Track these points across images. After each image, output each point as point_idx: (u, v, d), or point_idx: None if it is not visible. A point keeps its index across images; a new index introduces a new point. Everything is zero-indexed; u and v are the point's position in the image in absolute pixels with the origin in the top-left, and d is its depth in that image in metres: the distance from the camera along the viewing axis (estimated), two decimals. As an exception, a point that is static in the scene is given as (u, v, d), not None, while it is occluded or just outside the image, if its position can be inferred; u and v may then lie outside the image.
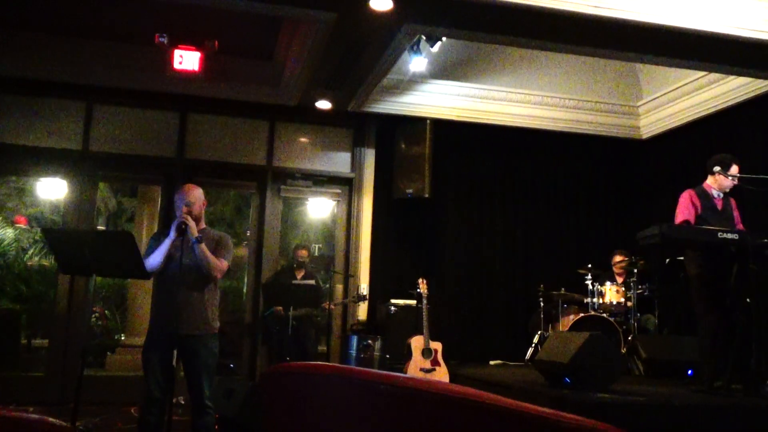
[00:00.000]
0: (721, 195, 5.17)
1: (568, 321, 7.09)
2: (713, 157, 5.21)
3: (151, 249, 4.03)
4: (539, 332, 7.30)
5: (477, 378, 5.95)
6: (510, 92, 8.00)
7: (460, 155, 8.17)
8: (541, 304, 7.41)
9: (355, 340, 6.62)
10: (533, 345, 7.28)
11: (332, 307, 7.05)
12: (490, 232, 8.24)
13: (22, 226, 11.22)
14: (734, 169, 5.13)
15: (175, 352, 3.93)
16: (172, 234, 3.94)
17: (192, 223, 3.96)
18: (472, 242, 8.15)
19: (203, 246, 3.94)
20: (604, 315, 6.92)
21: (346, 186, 8.04)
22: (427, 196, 7.58)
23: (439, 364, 6.25)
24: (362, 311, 7.62)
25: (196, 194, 4.14)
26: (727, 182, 5.11)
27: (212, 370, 4.03)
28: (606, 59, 7.27)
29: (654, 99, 8.13)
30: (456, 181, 8.16)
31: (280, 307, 6.94)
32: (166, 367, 3.89)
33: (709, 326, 4.79)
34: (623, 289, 7.08)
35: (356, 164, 7.99)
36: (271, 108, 7.69)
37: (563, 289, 7.32)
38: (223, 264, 4.06)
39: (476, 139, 8.18)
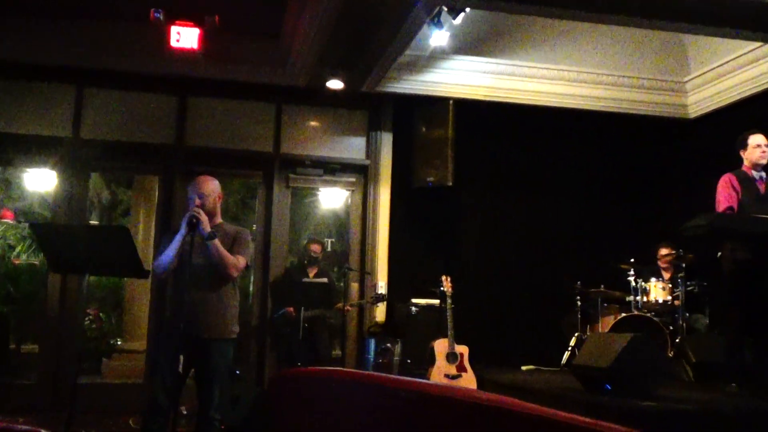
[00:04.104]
0: (764, 177, 5.15)
1: (608, 321, 7.06)
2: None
3: (164, 247, 4.06)
4: (576, 334, 7.28)
5: (507, 385, 5.95)
6: (541, 68, 7.94)
7: (486, 139, 8.13)
8: (578, 303, 7.39)
9: (372, 343, 6.65)
10: (569, 348, 7.26)
11: (347, 308, 7.07)
12: (521, 223, 8.20)
13: (9, 221, 11.35)
14: (757, 139, 5.14)
15: (182, 357, 3.96)
16: (183, 229, 3.97)
17: (204, 218, 3.98)
18: (501, 235, 8.12)
19: (216, 242, 3.96)
20: (649, 314, 6.88)
21: (361, 174, 8.04)
22: (450, 184, 7.56)
23: (465, 370, 6.26)
24: (380, 312, 7.63)
25: (211, 186, 4.17)
26: (756, 154, 5.13)
27: (224, 378, 4.06)
28: (649, 30, 7.19)
29: (703, 74, 8.03)
30: (482, 167, 8.13)
31: (291, 308, 6.97)
32: (175, 372, 3.93)
33: (740, 326, 4.79)
34: (670, 285, 7.03)
35: (372, 150, 7.99)
36: (277, 89, 7.70)
37: (602, 286, 7.28)
38: (240, 262, 4.08)
39: (504, 120, 8.13)
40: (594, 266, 7.70)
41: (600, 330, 7.12)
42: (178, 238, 3.99)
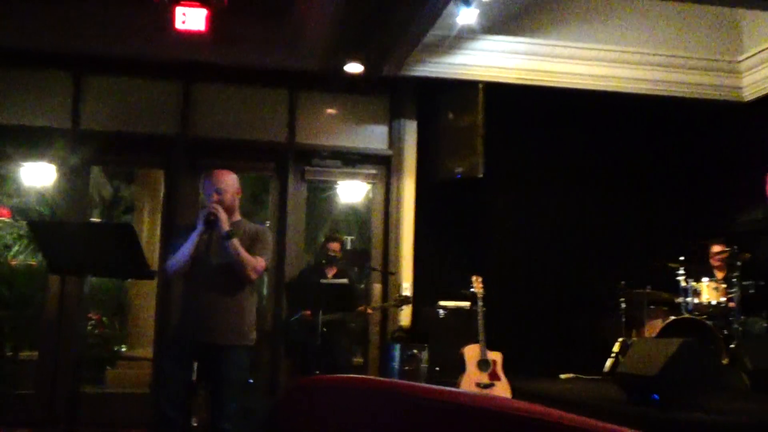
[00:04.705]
0: None
1: (655, 325, 7.02)
2: None
3: (176, 246, 4.09)
4: (620, 339, 7.26)
5: (544, 394, 5.94)
6: (579, 48, 7.89)
7: (518, 126, 8.10)
8: (622, 305, 7.36)
9: (397, 349, 6.66)
10: (612, 355, 7.23)
11: (369, 311, 7.07)
12: (557, 218, 8.17)
13: (5, 219, 11.49)
14: None
15: (196, 365, 3.99)
16: (200, 227, 3.99)
17: (223, 215, 4.00)
18: (536, 231, 8.10)
19: (235, 242, 3.98)
20: (700, 318, 6.82)
21: (383, 166, 8.05)
22: (479, 176, 7.53)
23: (498, 378, 6.25)
24: (405, 315, 7.64)
25: (229, 180, 4.20)
26: None
27: (239, 388, 4.09)
28: (698, 5, 7.12)
29: (758, 53, 7.94)
30: (514, 157, 8.10)
31: (307, 312, 6.99)
32: (186, 382, 3.95)
33: None
34: (724, 285, 6.95)
35: (394, 139, 7.99)
36: (290, 74, 7.72)
37: (649, 286, 7.26)
38: (260, 263, 4.10)
39: (539, 106, 8.09)
40: (639, 265, 7.65)
41: (646, 335, 7.10)
42: (193, 236, 4.00)
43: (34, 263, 10.63)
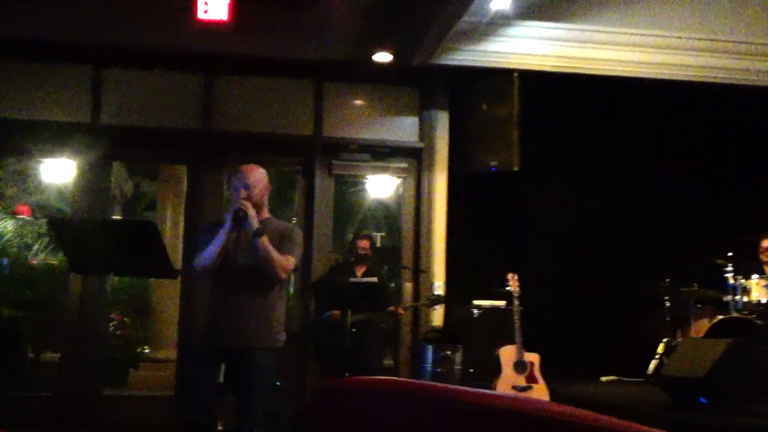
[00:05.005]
0: None
1: (701, 325, 6.98)
2: None
3: (204, 243, 4.12)
4: (664, 340, 7.22)
5: (584, 398, 5.92)
6: (619, 33, 7.81)
7: (556, 116, 8.05)
8: (667, 303, 7.33)
9: (429, 351, 6.66)
10: (657, 356, 7.19)
11: (400, 311, 7.08)
12: (596, 212, 8.12)
13: (25, 217, 11.66)
14: None
15: (224, 367, 4.01)
16: (228, 224, 4.02)
17: (252, 211, 4.02)
18: (575, 226, 8.05)
19: (265, 240, 3.99)
20: (750, 317, 6.76)
21: (414, 159, 8.05)
22: (515, 169, 7.50)
23: (536, 381, 6.24)
24: (437, 315, 7.64)
25: (258, 175, 4.22)
26: None
27: (266, 392, 4.11)
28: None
29: (812, 35, 7.84)
30: (552, 149, 8.06)
31: (336, 312, 7.01)
32: (213, 385, 3.98)
33: None
34: (775, 283, 6.91)
35: (425, 132, 7.99)
36: (317, 65, 7.74)
37: (695, 284, 7.20)
38: (290, 262, 4.12)
39: (577, 95, 8.03)
40: (685, 261, 7.61)
41: (692, 335, 7.04)
42: (222, 234, 4.02)
43: (54, 263, 10.78)
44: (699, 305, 7.25)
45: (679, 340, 7.03)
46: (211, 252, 4.02)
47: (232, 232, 4.00)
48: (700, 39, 7.93)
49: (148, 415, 6.99)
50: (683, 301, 7.23)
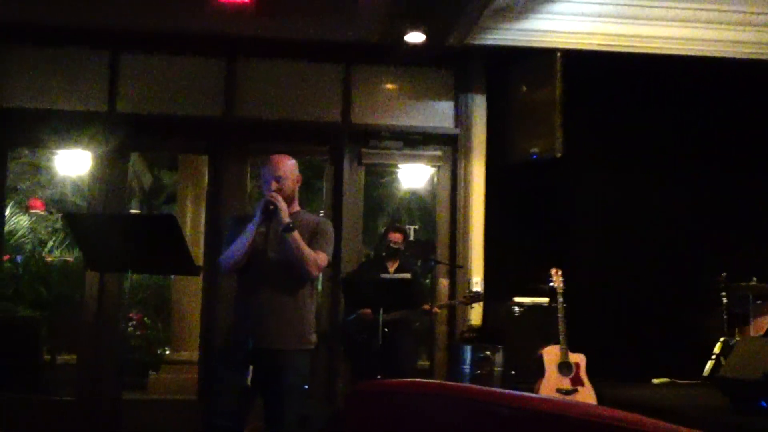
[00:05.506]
0: None
1: (762, 323, 6.96)
2: None
3: (231, 237, 4.14)
4: (721, 339, 7.15)
5: (634, 401, 5.90)
6: (672, 8, 7.73)
7: (603, 99, 8.01)
8: (723, 300, 7.26)
9: (468, 351, 6.66)
10: (713, 357, 7.13)
11: (436, 309, 7.09)
12: (648, 202, 8.07)
13: (39, 211, 11.81)
14: None
15: (251, 369, 4.03)
16: (258, 218, 4.04)
17: (283, 205, 4.04)
18: (623, 217, 8.01)
19: (296, 235, 4.01)
20: (815, 314, 6.70)
21: (449, 147, 8.04)
22: (558, 156, 7.46)
23: (581, 383, 6.22)
24: (476, 314, 7.64)
25: (289, 166, 4.24)
26: None
27: (297, 396, 4.13)
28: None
29: None
30: (598, 134, 8.03)
31: (367, 310, 7.04)
32: (240, 389, 4.00)
33: None
34: (842, 277, 6.83)
35: (461, 117, 7.97)
36: (345, 47, 7.76)
37: (754, 278, 7.14)
38: (322, 258, 4.14)
39: (626, 75, 7.97)
40: (743, 254, 7.54)
41: (752, 333, 6.99)
42: (251, 228, 4.03)
43: (70, 259, 10.91)
44: (759, 301, 7.20)
45: (738, 339, 6.96)
46: (239, 247, 4.04)
47: (261, 226, 4.02)
48: (760, 13, 7.81)
49: (169, 420, 7.05)
50: (742, 297, 7.18)
